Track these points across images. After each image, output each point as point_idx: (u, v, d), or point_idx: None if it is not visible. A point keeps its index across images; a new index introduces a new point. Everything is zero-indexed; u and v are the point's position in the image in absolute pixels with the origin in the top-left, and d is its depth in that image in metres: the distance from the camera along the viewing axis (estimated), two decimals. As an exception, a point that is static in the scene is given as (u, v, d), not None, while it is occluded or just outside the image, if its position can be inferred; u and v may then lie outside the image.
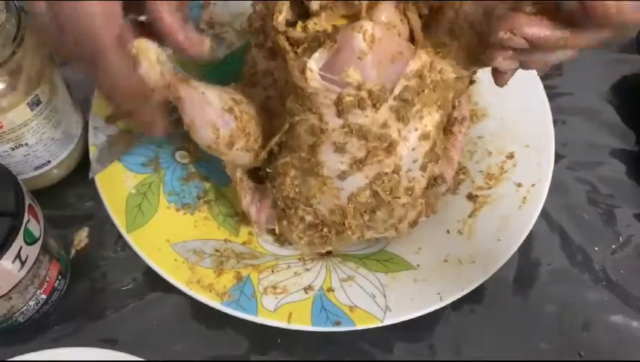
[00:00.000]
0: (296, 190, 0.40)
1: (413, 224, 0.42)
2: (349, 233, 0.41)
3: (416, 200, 0.40)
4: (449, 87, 0.37)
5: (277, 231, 0.45)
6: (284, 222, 0.43)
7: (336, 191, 0.39)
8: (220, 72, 0.53)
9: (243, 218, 0.47)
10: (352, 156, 0.37)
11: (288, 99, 0.37)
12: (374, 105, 0.35)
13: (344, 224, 0.40)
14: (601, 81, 0.59)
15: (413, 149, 0.37)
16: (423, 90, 0.36)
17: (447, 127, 0.44)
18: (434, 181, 0.41)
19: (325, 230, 0.42)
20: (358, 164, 0.37)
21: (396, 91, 0.35)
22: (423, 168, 0.39)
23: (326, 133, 0.36)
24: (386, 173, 0.38)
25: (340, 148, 0.37)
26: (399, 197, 0.39)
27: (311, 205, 0.41)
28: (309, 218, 0.41)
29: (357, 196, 0.39)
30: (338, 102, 0.35)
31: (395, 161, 0.37)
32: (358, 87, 0.34)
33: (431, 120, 0.37)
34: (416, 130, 0.37)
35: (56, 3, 0.32)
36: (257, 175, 0.45)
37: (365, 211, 0.40)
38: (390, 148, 0.37)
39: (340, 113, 0.35)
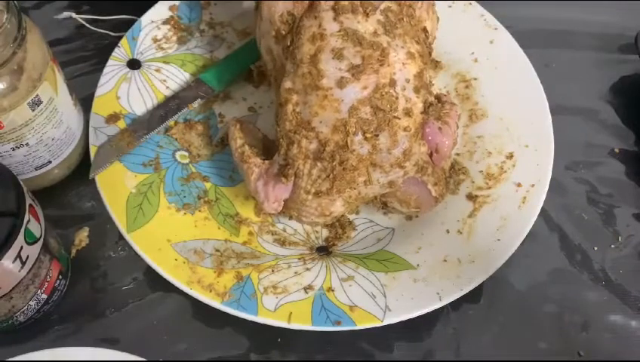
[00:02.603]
0: (298, 117, 0.42)
1: (420, 170, 0.43)
2: (354, 171, 0.41)
3: (417, 131, 0.42)
4: (420, 21, 0.45)
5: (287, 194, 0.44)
6: (291, 179, 0.43)
7: (337, 103, 0.41)
8: (219, 71, 0.53)
9: (243, 217, 0.47)
10: (349, 63, 0.41)
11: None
12: (365, 13, 0.42)
13: (347, 145, 0.41)
14: (601, 81, 0.59)
15: (403, 64, 0.42)
16: (402, 19, 0.43)
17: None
18: (429, 105, 0.44)
19: (330, 160, 0.41)
20: (356, 70, 0.41)
21: (382, 6, 0.43)
22: (417, 90, 0.42)
23: (325, 40, 0.42)
24: (384, 85, 0.41)
25: (338, 55, 0.41)
26: (399, 118, 0.41)
27: (313, 128, 0.41)
28: (312, 146, 0.42)
29: (357, 110, 0.41)
30: (335, 5, 0.42)
31: (389, 72, 0.41)
32: None
33: (412, 46, 0.43)
34: (402, 47, 0.43)
35: None
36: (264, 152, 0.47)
37: (367, 132, 0.41)
38: (382, 56, 0.41)
39: (336, 16, 0.42)
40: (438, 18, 0.49)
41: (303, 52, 0.43)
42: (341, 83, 0.41)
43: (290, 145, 0.42)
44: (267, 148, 0.48)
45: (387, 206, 0.48)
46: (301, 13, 0.44)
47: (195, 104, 0.51)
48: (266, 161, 0.45)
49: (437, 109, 0.44)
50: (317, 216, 0.45)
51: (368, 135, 0.41)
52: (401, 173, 0.42)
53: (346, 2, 0.42)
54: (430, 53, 0.47)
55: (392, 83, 0.41)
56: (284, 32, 0.45)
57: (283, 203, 0.45)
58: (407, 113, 0.42)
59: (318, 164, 0.42)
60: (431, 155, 0.44)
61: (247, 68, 0.54)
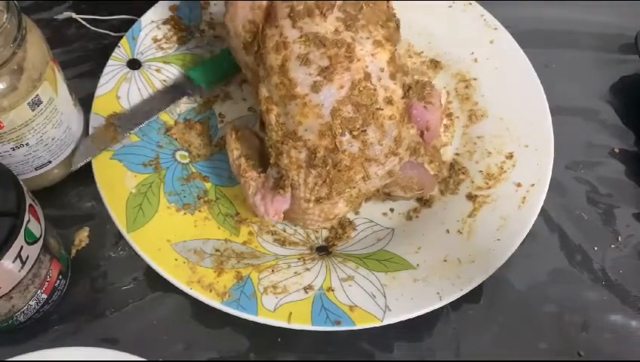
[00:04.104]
0: (283, 128, 0.42)
1: (414, 152, 0.43)
2: (349, 170, 0.41)
3: (403, 117, 0.42)
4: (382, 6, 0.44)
5: (287, 206, 0.44)
6: (288, 190, 0.43)
7: (318, 108, 0.41)
8: (207, 69, 0.53)
9: (243, 217, 0.47)
10: (317, 66, 0.41)
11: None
12: (322, 14, 0.41)
13: (337, 148, 0.40)
14: (601, 81, 0.59)
15: (372, 55, 0.42)
16: (362, 7, 0.42)
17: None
18: (409, 88, 0.44)
19: (323, 166, 0.41)
20: (326, 72, 0.41)
21: (339, 2, 0.42)
22: (393, 77, 0.42)
23: (289, 48, 0.41)
24: (359, 80, 0.41)
25: (304, 61, 0.41)
26: (382, 109, 0.41)
27: (300, 138, 0.41)
28: (302, 155, 0.41)
29: (339, 110, 0.40)
30: (291, 12, 0.42)
31: (361, 67, 0.41)
32: None
33: (378, 33, 0.42)
34: (367, 38, 0.42)
35: None
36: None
37: (354, 130, 0.40)
38: (349, 52, 0.41)
39: (294, 23, 0.42)
40: None
41: (270, 59, 0.42)
42: (315, 87, 0.41)
43: (280, 156, 0.42)
44: (264, 157, 0.47)
45: (391, 196, 0.47)
46: (261, 19, 0.44)
47: (182, 101, 0.51)
48: (262, 175, 0.45)
49: (419, 90, 0.45)
50: (322, 221, 0.45)
51: (355, 132, 0.41)
52: (396, 160, 0.42)
53: (301, 7, 0.42)
54: (398, 26, 0.46)
55: (367, 76, 0.41)
56: (250, 40, 0.45)
57: (283, 215, 0.44)
58: (389, 102, 0.41)
59: (312, 171, 0.42)
60: (422, 135, 0.44)
61: (235, 66, 0.54)
